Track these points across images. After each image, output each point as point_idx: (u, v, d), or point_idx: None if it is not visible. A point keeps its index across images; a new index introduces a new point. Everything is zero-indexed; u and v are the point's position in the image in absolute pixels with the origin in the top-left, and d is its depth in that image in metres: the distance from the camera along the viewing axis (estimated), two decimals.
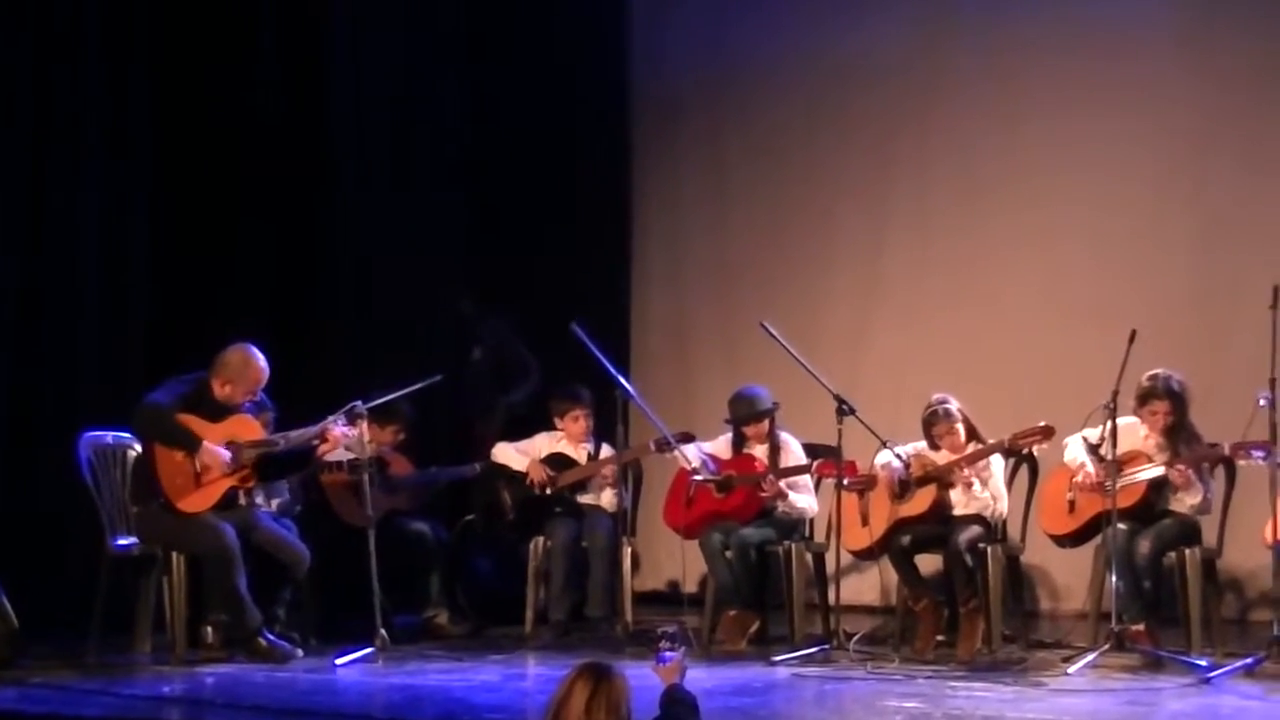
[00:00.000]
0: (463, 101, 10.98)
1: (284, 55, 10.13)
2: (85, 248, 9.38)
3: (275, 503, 8.88)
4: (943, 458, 8.67)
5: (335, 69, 10.37)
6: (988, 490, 8.62)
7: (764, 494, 8.95)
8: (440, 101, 10.87)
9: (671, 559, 9.87)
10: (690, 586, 9.61)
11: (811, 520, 9.23)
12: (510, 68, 11.10)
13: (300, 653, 8.23)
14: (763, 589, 9.10)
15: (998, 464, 8.70)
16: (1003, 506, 8.70)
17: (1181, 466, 8.32)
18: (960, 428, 8.66)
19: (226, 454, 8.21)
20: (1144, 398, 8.41)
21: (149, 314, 9.60)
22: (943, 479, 8.62)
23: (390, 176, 10.60)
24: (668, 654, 5.61)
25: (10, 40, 9.17)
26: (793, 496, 9.03)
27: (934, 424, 8.72)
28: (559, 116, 11.15)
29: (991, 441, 8.61)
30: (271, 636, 8.24)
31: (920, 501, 8.66)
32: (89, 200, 9.39)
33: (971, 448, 8.65)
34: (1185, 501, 8.42)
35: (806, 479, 9.08)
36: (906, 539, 8.67)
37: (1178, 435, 8.41)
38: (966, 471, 8.57)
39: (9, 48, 9.17)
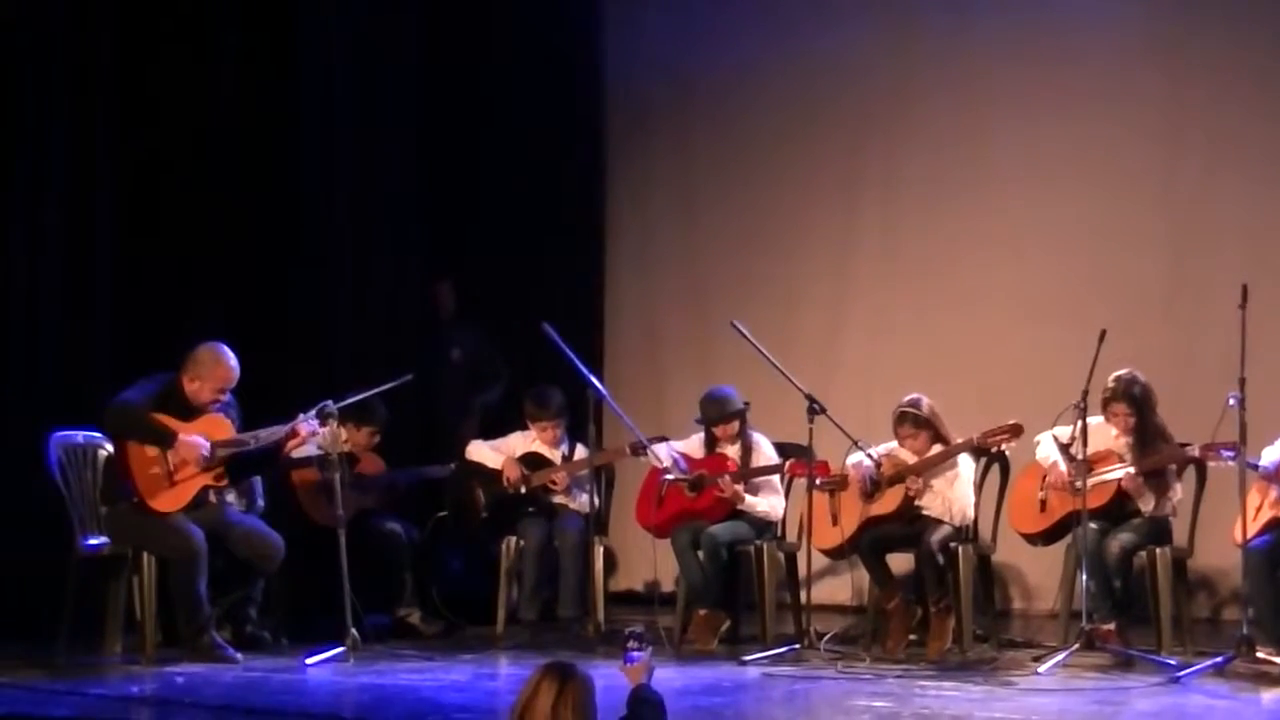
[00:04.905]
0: (434, 106, 10.94)
1: (248, 53, 10.09)
2: (49, 245, 9.34)
3: (244, 503, 8.85)
4: (913, 457, 8.68)
5: (301, 70, 10.34)
6: (940, 496, 8.62)
7: (720, 494, 8.95)
8: (411, 107, 10.84)
9: (645, 559, 9.87)
10: (668, 586, 9.60)
11: (783, 519, 9.23)
12: (482, 74, 11.08)
13: (240, 658, 8.18)
14: (734, 588, 9.11)
15: (967, 465, 8.71)
16: (963, 512, 8.66)
17: (1132, 471, 8.35)
18: (925, 432, 8.67)
19: (204, 441, 8.19)
20: (1106, 400, 8.45)
21: (113, 312, 9.56)
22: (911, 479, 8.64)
23: (358, 178, 10.56)
24: (635, 654, 5.60)
25: None
26: (753, 499, 9.03)
27: (900, 425, 8.74)
28: (531, 121, 11.12)
29: (959, 440, 8.63)
30: (218, 639, 8.21)
31: (889, 500, 8.67)
32: (51, 196, 9.35)
33: (937, 448, 8.67)
34: (1148, 504, 8.44)
35: (775, 480, 9.08)
36: (877, 538, 8.68)
37: (1142, 436, 8.44)
38: (919, 482, 8.59)
39: None
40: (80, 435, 8.43)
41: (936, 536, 8.55)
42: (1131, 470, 8.38)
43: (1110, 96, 10.17)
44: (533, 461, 9.55)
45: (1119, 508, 8.47)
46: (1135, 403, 8.43)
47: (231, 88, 10.01)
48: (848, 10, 10.78)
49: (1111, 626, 8.28)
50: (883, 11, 10.71)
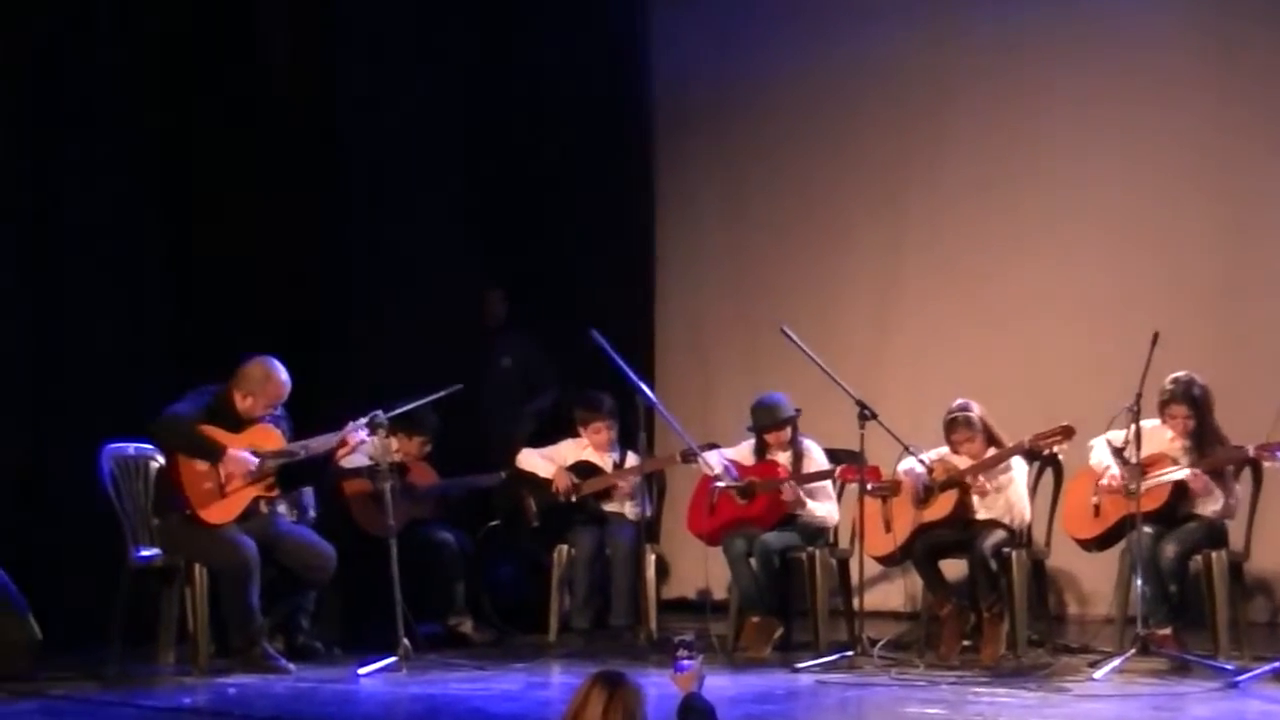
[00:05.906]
0: (482, 116, 10.96)
1: (294, 61, 10.13)
2: (101, 256, 9.39)
3: (295, 514, 8.87)
4: (965, 462, 8.63)
5: (352, 80, 10.39)
6: (1002, 498, 8.58)
7: (783, 499, 8.92)
8: (459, 116, 10.85)
9: (697, 566, 9.85)
10: (720, 593, 9.57)
11: (835, 526, 9.20)
12: (528, 84, 11.11)
13: (292, 668, 8.18)
14: (786, 595, 9.07)
15: (1020, 468, 8.65)
16: (1022, 515, 8.63)
17: (1199, 471, 8.27)
18: (979, 435, 8.63)
19: (252, 457, 8.22)
20: (1165, 403, 8.37)
21: (166, 323, 9.61)
22: (965, 483, 8.59)
23: (409, 188, 10.57)
24: (685, 662, 5.59)
25: (18, 40, 9.19)
26: (812, 505, 9.00)
27: (953, 430, 8.68)
28: (580, 129, 11.13)
29: (1011, 444, 8.57)
30: (270, 649, 8.22)
31: (942, 506, 8.62)
32: (102, 206, 9.40)
33: (990, 453, 8.61)
34: (1207, 507, 8.36)
35: (828, 486, 9.05)
36: (930, 544, 8.63)
37: (1201, 438, 8.36)
38: (982, 480, 8.55)
39: (18, 47, 9.20)
40: (132, 447, 8.46)
41: (990, 542, 8.49)
42: (1197, 470, 8.28)
43: (1162, 87, 9.99)
44: (583, 470, 9.54)
45: (1174, 511, 8.39)
46: (1195, 404, 8.35)
47: (278, 95, 10.05)
48: (889, 8, 10.69)
49: (1167, 631, 8.21)
50: (924, 10, 10.62)
